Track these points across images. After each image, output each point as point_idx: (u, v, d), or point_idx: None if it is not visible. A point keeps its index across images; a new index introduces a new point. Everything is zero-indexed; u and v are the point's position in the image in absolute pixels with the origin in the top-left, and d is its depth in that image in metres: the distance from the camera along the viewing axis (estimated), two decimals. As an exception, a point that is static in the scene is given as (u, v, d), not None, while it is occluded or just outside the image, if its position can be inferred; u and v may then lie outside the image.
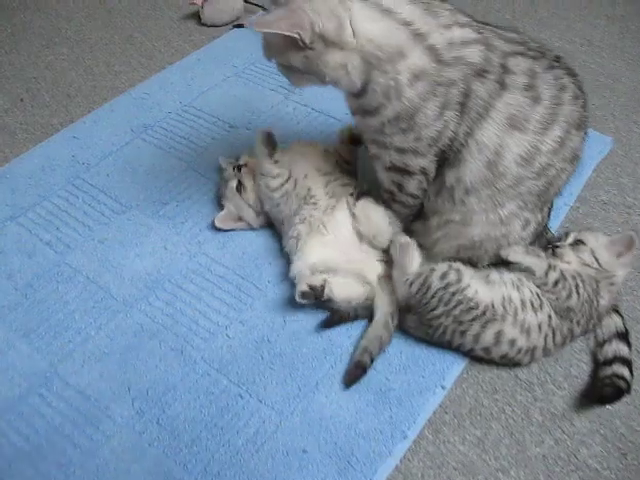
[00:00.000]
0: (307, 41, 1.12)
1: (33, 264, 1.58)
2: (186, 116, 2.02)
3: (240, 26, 2.45)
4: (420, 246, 1.42)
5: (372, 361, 1.35)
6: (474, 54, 1.16)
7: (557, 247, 1.40)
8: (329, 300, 1.37)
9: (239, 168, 1.63)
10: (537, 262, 1.33)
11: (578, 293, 1.31)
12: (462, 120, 1.19)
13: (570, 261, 1.37)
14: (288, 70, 1.25)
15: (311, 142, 1.65)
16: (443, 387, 1.34)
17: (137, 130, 1.97)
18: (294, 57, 1.18)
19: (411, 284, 1.34)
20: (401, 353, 1.40)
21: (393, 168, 1.31)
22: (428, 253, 1.43)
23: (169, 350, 1.40)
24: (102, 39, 2.44)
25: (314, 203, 1.49)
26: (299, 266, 1.44)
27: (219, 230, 1.64)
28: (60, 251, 1.61)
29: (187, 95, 2.11)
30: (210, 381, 1.35)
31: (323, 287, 1.35)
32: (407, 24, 1.15)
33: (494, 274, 1.37)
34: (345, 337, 1.43)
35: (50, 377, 1.36)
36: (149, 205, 1.73)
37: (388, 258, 1.45)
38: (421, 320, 1.35)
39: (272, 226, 1.64)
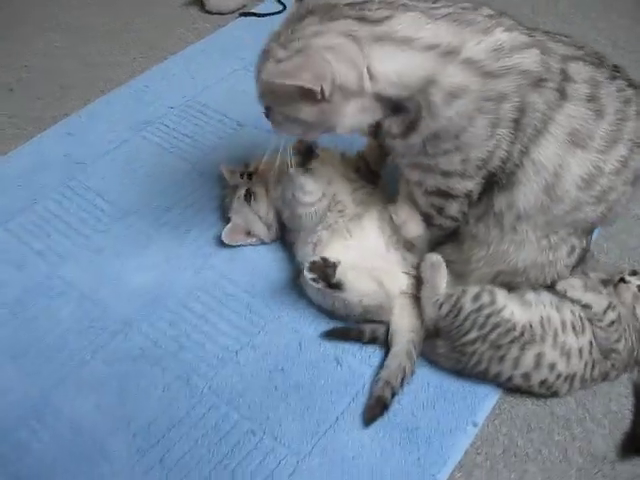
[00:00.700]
0: (327, 94, 0.98)
1: (23, 277, 1.44)
2: (190, 112, 1.87)
3: (247, 14, 2.29)
4: (450, 270, 1.30)
5: (394, 395, 1.23)
6: (529, 60, 1.01)
7: (624, 281, 1.27)
8: (339, 286, 1.21)
9: (249, 175, 1.48)
10: (597, 300, 1.21)
11: (625, 338, 1.21)
12: (517, 138, 1.04)
13: (624, 302, 1.25)
14: (289, 122, 1.09)
15: (326, 148, 1.48)
16: (474, 424, 1.22)
17: (137, 127, 1.82)
18: (305, 110, 1.03)
19: (441, 305, 1.22)
20: (428, 385, 1.28)
21: (436, 192, 1.18)
22: (461, 278, 1.31)
23: (173, 379, 1.27)
24: (99, 26, 2.28)
25: (340, 210, 1.36)
26: None
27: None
28: (52, 262, 1.47)
29: (191, 89, 1.96)
30: (219, 415, 1.21)
31: (336, 265, 1.20)
32: (431, 47, 1.00)
33: (530, 294, 1.25)
34: (367, 366, 1.30)
35: (41, 407, 1.22)
36: (150, 211, 1.59)
37: (416, 274, 1.33)
38: (453, 346, 1.22)
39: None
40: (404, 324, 1.30)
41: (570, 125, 1.03)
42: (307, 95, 0.99)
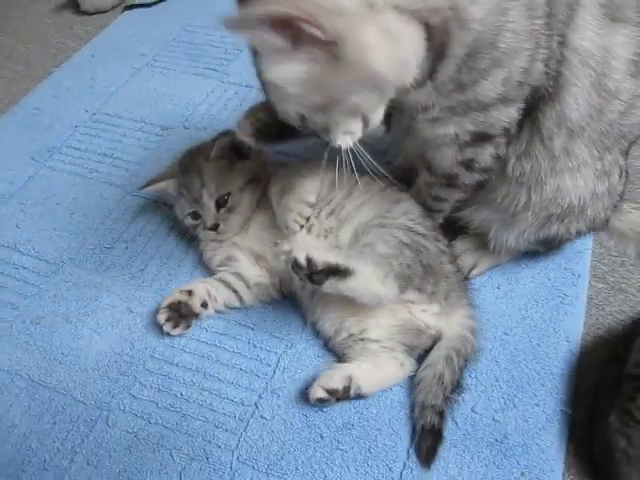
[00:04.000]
0: (324, 22, 0.70)
1: (-57, 379, 1.07)
2: (100, 127, 1.54)
3: (132, 7, 1.96)
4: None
5: (443, 414, 0.98)
6: None
7: None
8: (362, 397, 1.01)
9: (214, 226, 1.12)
10: None
11: None
12: (551, 27, 0.82)
13: None
14: (326, 108, 0.81)
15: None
16: (566, 412, 0.99)
17: (40, 157, 1.47)
18: (317, 71, 0.75)
19: None
20: (497, 381, 1.04)
21: (471, 141, 0.93)
22: (495, 238, 1.11)
23: (188, 461, 0.96)
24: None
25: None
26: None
27: (197, 265, 1.21)
28: (-21, 349, 1.11)
29: (93, 100, 1.62)
30: (264, 492, 0.92)
31: (348, 388, 0.98)
32: None
33: None
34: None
35: None
36: (88, 255, 1.25)
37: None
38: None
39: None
40: (451, 327, 1.05)
41: None
42: (304, 40, 0.70)
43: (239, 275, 1.13)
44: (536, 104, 0.90)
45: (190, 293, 1.10)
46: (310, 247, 0.96)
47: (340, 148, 0.87)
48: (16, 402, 1.04)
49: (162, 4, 1.97)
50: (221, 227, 1.12)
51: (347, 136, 0.86)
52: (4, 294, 1.19)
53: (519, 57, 0.82)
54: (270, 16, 0.68)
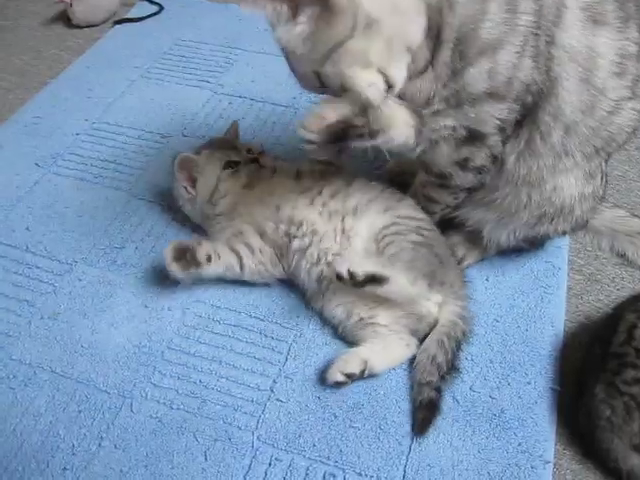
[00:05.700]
0: None
1: (-33, 375, 1.11)
2: (101, 134, 1.59)
3: (122, 21, 2.02)
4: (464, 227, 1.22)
5: (439, 389, 1.07)
6: None
7: None
8: (373, 375, 1.10)
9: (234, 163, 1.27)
10: None
11: None
12: (540, 25, 0.90)
13: None
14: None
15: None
16: (554, 389, 1.09)
17: (44, 163, 1.52)
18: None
19: None
20: (491, 362, 1.13)
21: (466, 137, 1.01)
22: (488, 236, 1.20)
23: (211, 442, 1.02)
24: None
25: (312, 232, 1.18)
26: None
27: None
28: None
29: (92, 110, 1.67)
30: (284, 467, 0.99)
31: (364, 371, 1.07)
32: None
33: None
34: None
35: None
36: (99, 255, 1.31)
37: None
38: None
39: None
40: (443, 315, 1.14)
41: None
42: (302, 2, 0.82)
43: (245, 243, 1.19)
44: (536, 102, 0.97)
45: (199, 243, 1.16)
46: (351, 259, 1.07)
47: (372, 102, 0.92)
48: (40, 393, 1.08)
49: (150, 19, 2.04)
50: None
51: (371, 87, 0.90)
52: (20, 292, 1.23)
53: (503, 50, 0.90)
54: None
